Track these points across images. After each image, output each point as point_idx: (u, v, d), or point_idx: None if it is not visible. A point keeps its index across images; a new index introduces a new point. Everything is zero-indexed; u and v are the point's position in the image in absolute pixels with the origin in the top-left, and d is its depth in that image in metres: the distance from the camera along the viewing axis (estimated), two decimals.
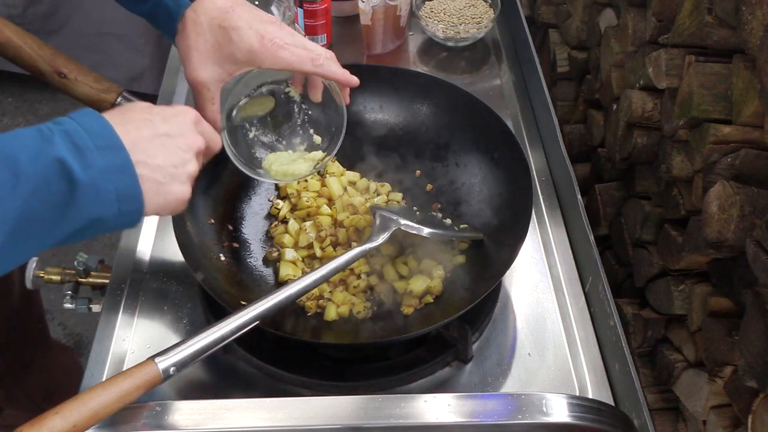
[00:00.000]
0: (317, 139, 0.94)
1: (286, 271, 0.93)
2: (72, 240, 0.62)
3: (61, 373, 1.46)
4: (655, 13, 1.02)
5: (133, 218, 0.64)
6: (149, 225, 1.02)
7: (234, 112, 0.89)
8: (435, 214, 1.01)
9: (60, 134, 0.59)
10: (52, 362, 1.46)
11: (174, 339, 0.89)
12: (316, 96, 0.89)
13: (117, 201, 0.61)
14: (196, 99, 0.82)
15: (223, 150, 0.85)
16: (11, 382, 1.36)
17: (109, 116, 0.64)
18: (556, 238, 1.02)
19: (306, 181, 1.05)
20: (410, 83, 1.08)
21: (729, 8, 0.83)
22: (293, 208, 1.02)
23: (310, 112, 0.94)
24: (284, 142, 0.93)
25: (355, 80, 0.86)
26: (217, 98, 0.82)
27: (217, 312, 0.89)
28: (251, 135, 0.91)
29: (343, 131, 0.90)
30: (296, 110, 0.93)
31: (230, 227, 0.98)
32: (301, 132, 0.94)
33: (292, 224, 0.98)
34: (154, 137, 0.66)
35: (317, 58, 0.81)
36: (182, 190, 0.68)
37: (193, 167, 0.69)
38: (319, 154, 0.93)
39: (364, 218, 0.97)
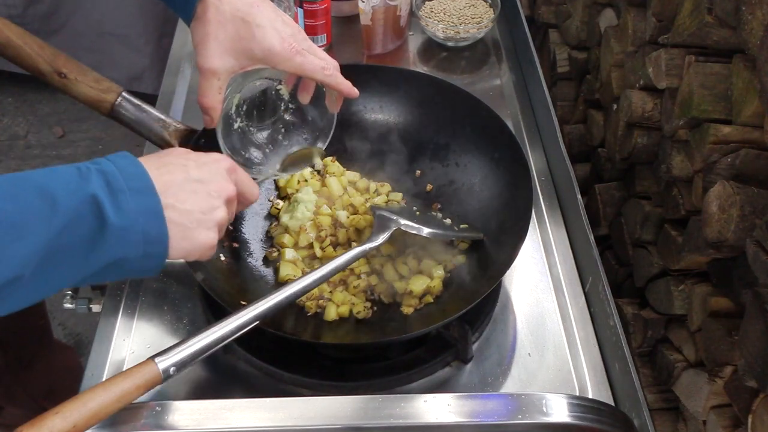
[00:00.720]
0: (303, 140, 0.94)
1: (286, 271, 0.93)
2: (96, 279, 0.63)
3: (62, 372, 1.46)
4: (655, 13, 1.02)
5: (157, 261, 0.65)
6: None
7: (232, 110, 0.89)
8: (435, 214, 1.01)
9: (97, 173, 0.61)
10: (54, 361, 1.46)
11: (174, 339, 0.89)
12: (305, 98, 0.90)
13: (143, 243, 0.62)
14: (202, 85, 0.82)
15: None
16: (12, 380, 1.36)
17: (147, 160, 0.67)
18: (556, 238, 1.02)
19: (306, 180, 1.05)
20: (410, 83, 1.08)
21: (729, 8, 0.83)
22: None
23: (298, 112, 0.94)
24: (269, 137, 0.93)
25: (356, 92, 0.88)
26: (224, 88, 0.83)
27: (217, 312, 0.89)
28: (236, 126, 0.91)
29: (329, 137, 0.92)
30: (282, 108, 0.93)
31: (230, 227, 0.98)
32: (288, 131, 0.94)
33: (292, 223, 0.98)
34: (186, 182, 0.67)
35: (328, 68, 0.83)
36: (208, 237, 0.68)
37: (221, 214, 0.70)
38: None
39: (364, 218, 0.97)
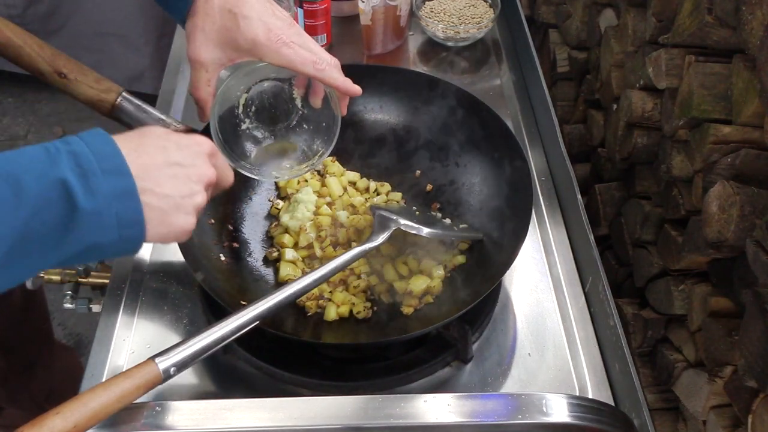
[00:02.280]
0: (306, 142, 0.94)
1: (286, 271, 0.93)
2: (71, 263, 0.61)
3: (63, 373, 1.46)
4: (655, 13, 1.02)
5: (133, 245, 0.63)
6: None
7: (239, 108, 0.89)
8: (435, 214, 1.01)
9: (67, 155, 0.59)
10: (55, 362, 1.46)
11: (174, 339, 0.89)
12: (316, 102, 0.89)
13: (118, 227, 0.60)
14: (193, 77, 0.82)
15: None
16: (15, 383, 1.36)
17: (123, 139, 0.64)
18: (556, 238, 1.02)
19: (306, 180, 1.05)
20: (410, 83, 1.08)
21: (729, 8, 0.83)
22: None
23: (305, 115, 0.93)
24: (275, 140, 0.93)
25: (357, 89, 0.86)
26: (214, 81, 0.82)
27: (217, 312, 0.89)
28: (243, 127, 0.91)
29: (335, 141, 0.91)
30: (293, 111, 0.93)
31: (230, 227, 0.98)
32: (293, 133, 0.94)
33: (292, 223, 0.98)
34: (165, 165, 0.65)
35: (319, 62, 0.81)
36: (186, 221, 0.67)
37: (200, 199, 0.68)
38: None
39: (364, 218, 0.97)
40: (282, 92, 0.91)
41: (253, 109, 0.90)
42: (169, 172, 0.65)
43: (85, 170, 0.58)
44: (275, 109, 0.92)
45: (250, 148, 0.91)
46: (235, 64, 0.84)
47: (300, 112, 0.92)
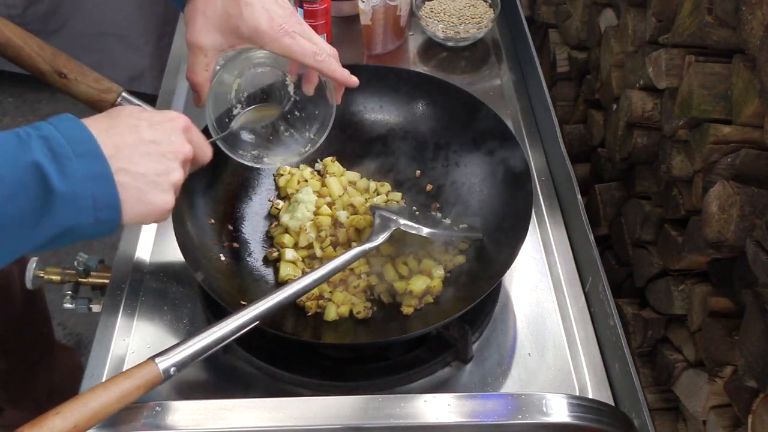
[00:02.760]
0: (299, 130, 0.94)
1: (286, 271, 0.93)
2: (48, 247, 0.61)
3: (63, 373, 1.46)
4: (655, 13, 1.02)
5: (110, 226, 0.63)
6: (149, 225, 1.02)
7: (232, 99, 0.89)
8: (435, 213, 1.01)
9: (37, 139, 0.58)
10: (56, 363, 1.46)
11: (174, 339, 0.89)
12: (309, 90, 0.89)
13: (94, 209, 0.60)
14: (191, 62, 0.82)
15: (219, 150, 0.85)
16: (17, 385, 1.36)
17: (94, 121, 0.63)
18: (556, 238, 1.02)
19: (306, 180, 1.05)
20: (410, 83, 1.08)
21: (729, 8, 0.83)
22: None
23: (298, 102, 0.93)
24: (269, 128, 0.93)
25: (354, 80, 0.86)
26: (212, 66, 0.82)
27: (217, 312, 0.89)
28: (235, 112, 0.90)
29: (329, 129, 0.91)
30: (285, 97, 0.92)
31: (230, 227, 0.98)
32: (285, 120, 0.94)
33: (292, 223, 0.98)
34: (139, 143, 0.64)
35: (320, 53, 0.81)
36: (164, 199, 0.66)
37: (177, 176, 0.67)
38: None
39: (364, 218, 0.97)
40: (275, 79, 0.91)
41: (245, 94, 0.90)
42: (142, 150, 0.64)
43: (57, 154, 0.58)
44: (267, 95, 0.92)
45: (246, 136, 0.91)
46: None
47: (293, 99, 0.92)
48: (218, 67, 0.86)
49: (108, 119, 0.65)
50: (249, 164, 0.91)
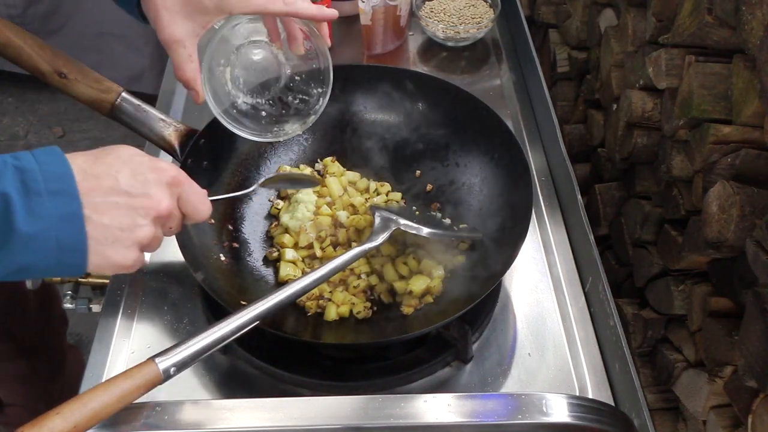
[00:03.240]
0: (305, 92, 0.93)
1: (286, 271, 0.93)
2: (7, 279, 0.59)
3: (71, 372, 1.46)
4: (655, 13, 1.02)
5: (77, 270, 0.61)
6: None
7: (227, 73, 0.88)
8: (435, 213, 1.01)
9: (13, 171, 0.56)
10: (66, 362, 1.46)
11: (174, 339, 0.89)
12: (298, 48, 0.87)
13: (57, 250, 0.58)
14: (174, 59, 0.80)
15: (219, 150, 0.85)
16: (40, 385, 1.35)
17: (81, 157, 0.61)
18: (556, 238, 1.02)
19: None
20: (410, 83, 1.08)
21: (729, 8, 0.83)
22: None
23: (294, 67, 0.93)
24: (278, 103, 0.93)
25: (332, 12, 0.83)
26: (195, 55, 0.80)
27: (217, 312, 0.89)
28: (239, 102, 0.90)
29: (331, 76, 0.89)
30: (281, 69, 0.92)
31: (230, 227, 0.98)
32: (289, 90, 0.93)
33: (292, 223, 0.98)
34: (111, 192, 0.61)
35: None
36: (123, 256, 0.63)
37: (144, 233, 0.64)
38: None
39: (364, 218, 0.97)
40: (263, 56, 0.90)
41: (241, 81, 0.90)
42: (112, 199, 0.61)
43: (29, 188, 0.56)
44: (264, 74, 0.91)
45: (259, 117, 0.91)
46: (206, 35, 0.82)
47: (287, 68, 0.91)
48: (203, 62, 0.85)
49: (93, 158, 0.62)
50: (272, 140, 0.90)
